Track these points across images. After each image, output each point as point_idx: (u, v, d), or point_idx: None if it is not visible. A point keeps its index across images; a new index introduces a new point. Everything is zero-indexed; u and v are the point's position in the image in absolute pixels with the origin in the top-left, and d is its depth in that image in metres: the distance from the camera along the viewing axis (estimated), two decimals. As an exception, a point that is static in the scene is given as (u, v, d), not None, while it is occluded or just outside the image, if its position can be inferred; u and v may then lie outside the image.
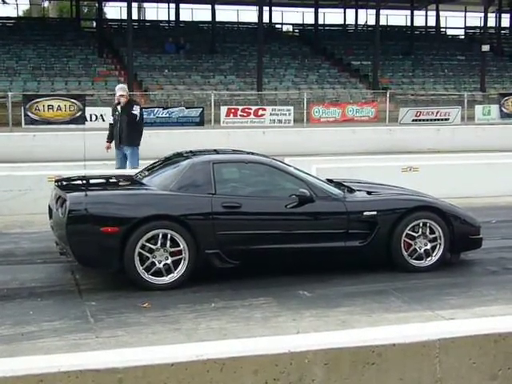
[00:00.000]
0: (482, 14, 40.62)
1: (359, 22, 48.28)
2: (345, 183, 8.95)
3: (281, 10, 47.19)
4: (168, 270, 7.48)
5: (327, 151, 18.67)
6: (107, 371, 3.77)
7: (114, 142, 13.00)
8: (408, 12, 46.85)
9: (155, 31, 42.06)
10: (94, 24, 44.58)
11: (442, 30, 50.76)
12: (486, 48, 38.76)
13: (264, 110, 30.88)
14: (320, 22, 45.38)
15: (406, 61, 42.22)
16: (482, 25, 41.58)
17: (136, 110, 12.78)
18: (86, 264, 7.73)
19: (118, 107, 12.85)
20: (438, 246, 8.26)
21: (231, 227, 7.82)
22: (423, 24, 49.49)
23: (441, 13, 49.72)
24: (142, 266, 7.39)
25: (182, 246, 7.50)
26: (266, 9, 41.14)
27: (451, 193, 12.75)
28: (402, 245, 8.17)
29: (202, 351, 4.00)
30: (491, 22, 46.05)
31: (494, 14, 47.32)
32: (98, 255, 7.55)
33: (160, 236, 7.45)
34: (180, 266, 7.51)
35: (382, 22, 42.33)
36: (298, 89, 35.59)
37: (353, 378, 4.12)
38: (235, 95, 33.94)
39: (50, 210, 8.38)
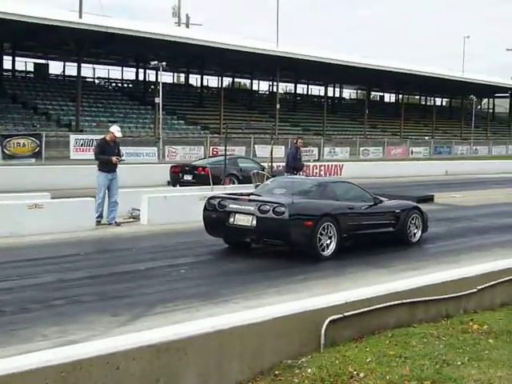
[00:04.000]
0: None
1: None
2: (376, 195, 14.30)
3: None
4: (327, 246, 12.22)
5: None
6: None
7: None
8: None
9: None
10: None
11: None
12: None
13: None
14: None
15: None
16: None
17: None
18: (298, 247, 12.34)
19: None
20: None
21: (350, 220, 12.83)
22: None
23: None
24: (318, 245, 12.07)
25: (333, 232, 12.25)
26: None
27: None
28: (406, 228, 13.97)
29: None
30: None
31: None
32: (304, 240, 12.09)
33: (326, 226, 12.12)
34: (332, 244, 12.27)
35: None
36: None
37: None
38: None
39: (229, 214, 12.40)
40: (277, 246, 12.67)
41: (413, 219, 14.12)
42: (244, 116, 54.69)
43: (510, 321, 7.99)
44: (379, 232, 13.66)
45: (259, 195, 13.10)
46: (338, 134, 59.87)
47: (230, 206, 12.48)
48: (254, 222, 12.03)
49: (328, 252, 12.19)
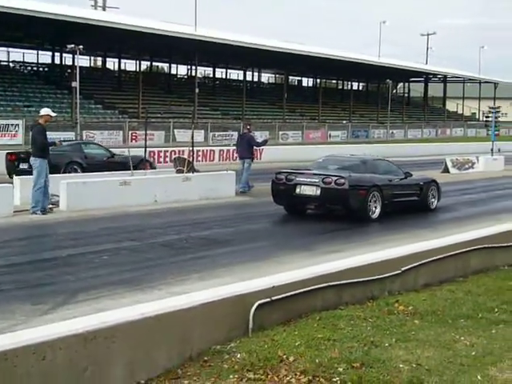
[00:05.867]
0: None
1: None
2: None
3: None
4: (374, 211, 15.24)
5: None
6: None
7: None
8: None
9: None
10: None
11: None
12: None
13: None
14: None
15: None
16: None
17: None
18: (354, 211, 15.13)
19: None
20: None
21: (389, 190, 15.73)
22: None
23: None
24: (369, 209, 15.17)
25: (378, 200, 15.22)
26: None
27: None
28: (427, 198, 17.15)
29: None
30: None
31: None
32: (358, 206, 15.02)
33: (373, 194, 15.19)
34: (377, 209, 15.26)
35: None
36: None
37: None
38: None
39: (295, 186, 15.26)
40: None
41: (431, 190, 17.32)
42: (163, 100, 54.09)
43: (433, 301, 8.12)
44: (408, 200, 16.62)
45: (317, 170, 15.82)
46: (257, 119, 59.96)
47: (297, 179, 15.27)
48: (318, 192, 14.89)
49: (375, 215, 15.24)
